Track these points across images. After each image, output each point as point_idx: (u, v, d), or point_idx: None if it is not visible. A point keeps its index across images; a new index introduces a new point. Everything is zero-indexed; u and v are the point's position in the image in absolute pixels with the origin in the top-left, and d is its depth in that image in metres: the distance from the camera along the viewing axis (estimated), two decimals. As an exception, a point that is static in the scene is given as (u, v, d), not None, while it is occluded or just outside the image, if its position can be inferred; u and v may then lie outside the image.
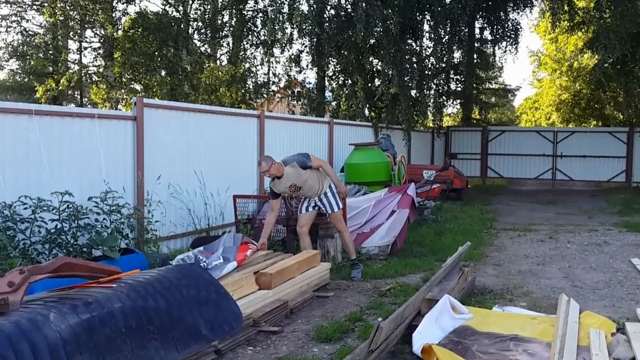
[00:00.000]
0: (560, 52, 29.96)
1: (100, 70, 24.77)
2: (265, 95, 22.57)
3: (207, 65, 20.91)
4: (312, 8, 16.49)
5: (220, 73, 18.82)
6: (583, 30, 21.70)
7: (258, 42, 21.56)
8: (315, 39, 17.53)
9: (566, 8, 20.26)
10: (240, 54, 21.70)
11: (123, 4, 23.83)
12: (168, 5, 22.80)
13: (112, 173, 7.26)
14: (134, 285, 2.73)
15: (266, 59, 21.97)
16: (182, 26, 21.36)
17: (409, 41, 18.81)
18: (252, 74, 21.71)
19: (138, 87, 23.11)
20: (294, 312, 5.74)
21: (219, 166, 9.33)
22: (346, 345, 4.83)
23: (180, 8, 22.22)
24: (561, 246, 9.59)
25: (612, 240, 10.07)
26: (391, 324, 4.35)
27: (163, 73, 21.61)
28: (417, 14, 19.01)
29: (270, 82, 22.63)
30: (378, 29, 16.38)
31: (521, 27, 23.28)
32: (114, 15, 23.72)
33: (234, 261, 5.76)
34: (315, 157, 7.30)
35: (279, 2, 17.20)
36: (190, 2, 22.30)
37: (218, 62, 22.99)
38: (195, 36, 23.14)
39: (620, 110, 25.81)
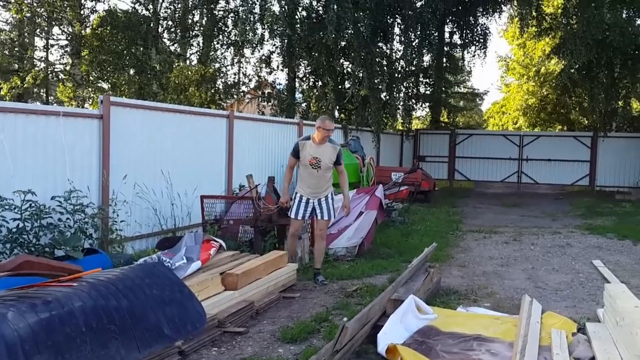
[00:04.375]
0: (527, 57, 30.50)
1: (67, 68, 24.40)
2: (235, 96, 22.49)
3: (176, 64, 20.75)
4: (283, 9, 16.47)
5: (189, 72, 18.68)
6: (550, 36, 22.14)
7: (229, 42, 21.48)
8: (286, 40, 17.52)
9: (534, 14, 20.68)
10: (211, 53, 21.59)
11: (92, 1, 23.57)
12: (138, 4, 22.59)
13: (77, 172, 7.15)
14: (96, 284, 2.69)
15: (237, 59, 21.92)
16: (151, 25, 21.20)
17: (380, 44, 18.94)
18: (222, 74, 21.62)
19: (105, 85, 22.82)
20: (260, 313, 5.73)
21: (187, 166, 9.26)
22: (312, 346, 4.84)
23: (150, 7, 22.04)
24: (525, 248, 9.75)
25: (575, 243, 10.27)
26: (356, 324, 4.38)
27: (131, 72, 21.37)
28: (388, 17, 19.16)
29: (241, 83, 22.57)
30: (349, 31, 16.45)
31: (490, 32, 23.82)
32: (82, 12, 23.42)
33: (197, 261, 5.73)
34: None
35: (251, 2, 17.15)
36: (161, 0, 22.14)
37: (188, 61, 22.83)
38: (165, 35, 22.99)
39: (585, 115, 26.40)
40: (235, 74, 22.87)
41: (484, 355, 4.54)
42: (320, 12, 17.92)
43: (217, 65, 21.59)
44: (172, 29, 22.54)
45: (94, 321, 2.46)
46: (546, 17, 21.66)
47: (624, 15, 18.50)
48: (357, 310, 5.49)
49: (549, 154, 22.07)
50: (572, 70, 19.33)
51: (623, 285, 5.83)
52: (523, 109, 30.46)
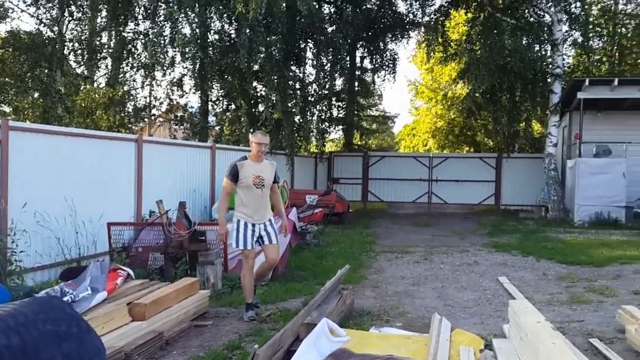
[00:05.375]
0: (435, 81, 31.67)
1: (-35, 91, 23.13)
2: (145, 119, 21.99)
3: (83, 87, 20.08)
4: (194, 32, 16.33)
5: (96, 95, 18.10)
6: (456, 61, 23.06)
7: (139, 65, 21.03)
8: (198, 63, 17.37)
9: (440, 40, 21.54)
10: (120, 76, 21.06)
11: (-7, 22, 22.55)
12: (42, 25, 21.79)
13: (-30, 200, 6.73)
14: (-16, 322, 2.51)
15: (147, 82, 21.48)
16: (57, 47, 20.47)
17: (293, 67, 19.12)
18: (131, 97, 21.09)
19: (7, 109, 21.79)
20: (170, 343, 5.55)
21: (93, 192, 8.90)
22: (223, 375, 4.72)
23: (55, 28, 21.31)
24: (435, 267, 9.99)
25: (482, 260, 10.62)
26: (268, 351, 4.31)
27: (35, 95, 20.52)
28: (300, 41, 19.42)
29: (151, 106, 22.11)
30: (261, 55, 16.51)
31: (399, 57, 24.68)
32: (-18, 34, 22.37)
33: (103, 291, 5.49)
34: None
35: (161, 25, 16.92)
36: (66, 22, 21.44)
37: (95, 84, 22.16)
38: (71, 57, 22.25)
39: (490, 137, 27.62)
40: (145, 97, 22.47)
41: (396, 376, 4.57)
42: (232, 35, 17.90)
43: (126, 87, 21.06)
44: (79, 51, 21.85)
45: (-20, 362, 2.28)
46: (452, 43, 22.60)
47: (523, 42, 19.53)
48: (270, 336, 5.41)
49: (457, 174, 22.79)
50: (477, 94, 20.21)
51: (526, 301, 6.04)
52: (432, 132, 31.53)
